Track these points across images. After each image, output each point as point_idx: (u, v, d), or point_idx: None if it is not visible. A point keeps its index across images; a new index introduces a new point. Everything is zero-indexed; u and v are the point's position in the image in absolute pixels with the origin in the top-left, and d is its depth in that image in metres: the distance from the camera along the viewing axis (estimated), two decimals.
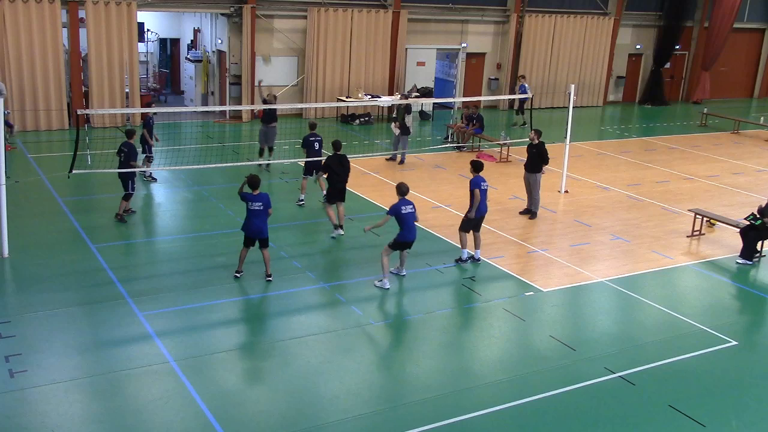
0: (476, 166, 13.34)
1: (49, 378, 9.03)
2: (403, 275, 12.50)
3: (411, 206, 12.08)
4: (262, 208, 11.83)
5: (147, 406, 8.67)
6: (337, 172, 14.03)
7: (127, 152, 14.56)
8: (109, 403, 8.66)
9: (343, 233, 14.32)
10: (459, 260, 13.28)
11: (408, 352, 10.53)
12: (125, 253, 13.11)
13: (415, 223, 12.13)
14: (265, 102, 18.79)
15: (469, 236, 13.37)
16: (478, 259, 13.40)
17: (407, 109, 21.01)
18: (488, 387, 9.47)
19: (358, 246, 14.08)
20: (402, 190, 12.13)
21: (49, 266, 12.33)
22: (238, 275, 12.13)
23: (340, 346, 10.32)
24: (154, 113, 17.36)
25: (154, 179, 17.36)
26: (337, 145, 14.22)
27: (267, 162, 18.79)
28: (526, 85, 25.98)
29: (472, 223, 13.24)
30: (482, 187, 13.18)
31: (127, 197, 14.63)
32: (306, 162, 15.90)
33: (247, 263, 12.44)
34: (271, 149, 19.08)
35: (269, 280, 12.05)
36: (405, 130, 20.24)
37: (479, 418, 8.77)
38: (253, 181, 11.89)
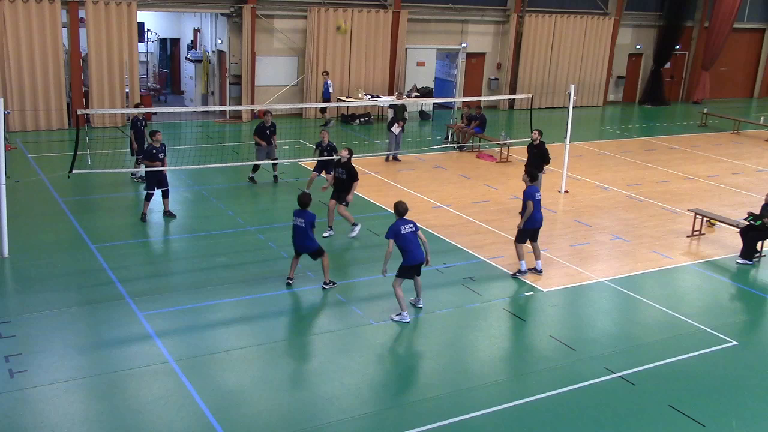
0: (532, 175, 12.86)
1: (49, 378, 9.03)
2: (420, 307, 11.47)
3: (411, 225, 11.01)
4: (303, 225, 11.61)
5: (147, 406, 8.67)
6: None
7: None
8: (109, 403, 8.66)
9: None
10: (518, 272, 12.75)
11: (408, 353, 10.54)
12: (125, 253, 13.11)
13: (419, 236, 11.05)
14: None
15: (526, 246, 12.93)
16: (540, 270, 12.92)
17: (404, 107, 21.51)
18: (488, 387, 9.47)
19: (358, 246, 14.09)
20: (399, 209, 11.07)
21: (49, 266, 12.33)
22: (290, 281, 12.01)
23: (340, 346, 10.32)
24: (143, 115, 17.40)
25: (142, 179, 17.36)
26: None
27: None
28: (329, 82, 25.66)
29: (528, 234, 12.74)
30: (536, 198, 12.65)
31: (146, 197, 14.89)
32: None
33: (246, 263, 12.46)
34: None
35: (325, 288, 11.91)
36: (403, 128, 20.86)
37: (479, 418, 8.77)
38: (301, 199, 11.73)
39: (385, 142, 22.44)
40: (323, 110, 25.44)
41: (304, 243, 11.76)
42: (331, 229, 14.43)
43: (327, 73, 25.65)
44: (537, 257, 13.00)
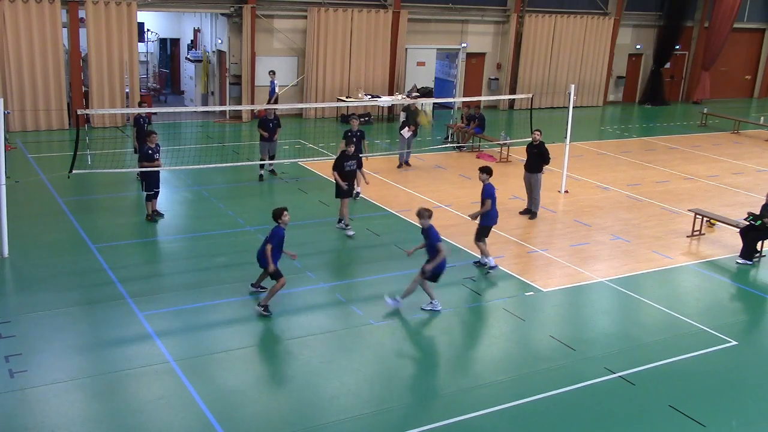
0: (488, 171, 12.96)
1: (49, 378, 9.03)
2: (438, 309, 11.50)
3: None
4: (266, 237, 11.05)
5: (147, 406, 8.67)
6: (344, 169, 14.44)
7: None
8: (109, 403, 8.67)
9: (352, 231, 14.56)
10: (490, 268, 12.86)
11: (408, 352, 10.54)
12: (125, 253, 13.11)
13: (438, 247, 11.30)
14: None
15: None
16: (483, 264, 13.15)
17: (417, 111, 21.37)
18: (488, 387, 9.47)
19: (357, 246, 14.09)
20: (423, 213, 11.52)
21: (49, 266, 12.33)
22: (255, 289, 11.67)
23: (340, 346, 10.32)
24: (146, 113, 17.33)
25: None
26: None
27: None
28: (275, 82, 25.17)
29: (487, 231, 12.95)
30: (494, 196, 12.87)
31: (147, 198, 14.73)
32: None
33: (246, 263, 12.45)
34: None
35: (252, 291, 11.49)
36: (415, 132, 20.48)
37: (479, 418, 8.77)
38: (274, 213, 11.05)
39: (385, 143, 22.46)
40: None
41: (259, 257, 11.01)
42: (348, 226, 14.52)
43: (273, 73, 25.26)
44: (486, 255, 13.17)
